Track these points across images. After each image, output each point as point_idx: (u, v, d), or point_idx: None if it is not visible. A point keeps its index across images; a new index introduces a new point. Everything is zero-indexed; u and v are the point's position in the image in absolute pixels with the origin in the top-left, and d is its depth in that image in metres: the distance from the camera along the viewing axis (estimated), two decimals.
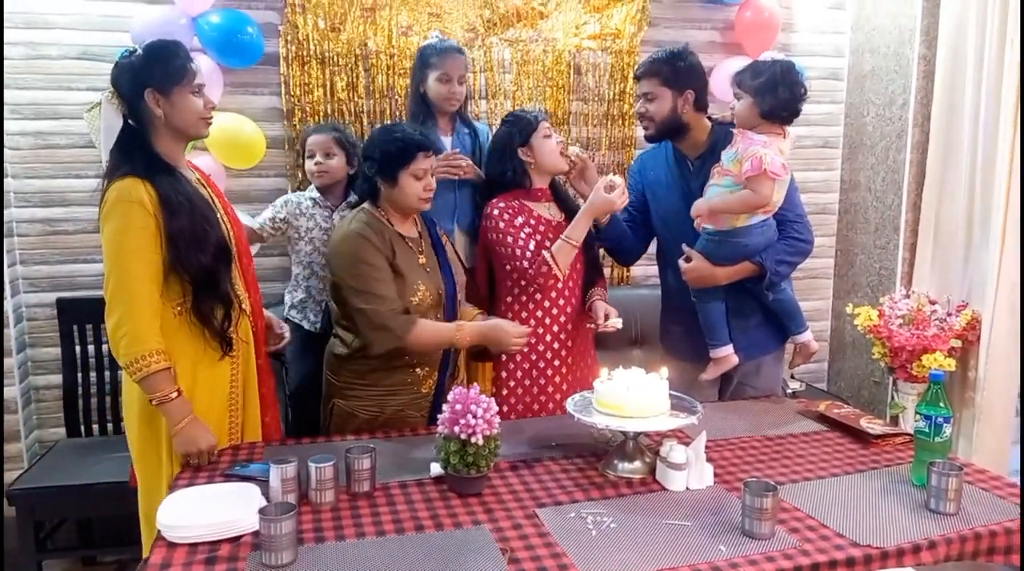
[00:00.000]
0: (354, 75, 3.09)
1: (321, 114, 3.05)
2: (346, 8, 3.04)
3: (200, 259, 1.76)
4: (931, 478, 1.55)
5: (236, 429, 1.95)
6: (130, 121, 1.79)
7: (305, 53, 3.03)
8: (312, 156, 2.57)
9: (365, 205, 2.11)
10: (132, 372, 1.70)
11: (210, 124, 1.87)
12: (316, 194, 2.63)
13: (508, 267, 2.30)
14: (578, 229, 2.21)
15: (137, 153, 1.76)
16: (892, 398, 3.05)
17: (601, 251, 2.55)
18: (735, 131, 2.14)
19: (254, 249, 2.41)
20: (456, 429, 1.59)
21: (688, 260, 2.22)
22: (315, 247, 2.60)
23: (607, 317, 2.25)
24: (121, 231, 1.70)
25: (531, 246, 2.23)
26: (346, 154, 2.59)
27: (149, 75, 1.75)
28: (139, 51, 1.78)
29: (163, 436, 1.81)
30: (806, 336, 2.32)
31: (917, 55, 3.17)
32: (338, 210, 2.58)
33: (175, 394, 1.73)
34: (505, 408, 2.30)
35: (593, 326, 2.30)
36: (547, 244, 2.25)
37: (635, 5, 3.33)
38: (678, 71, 2.22)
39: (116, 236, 1.70)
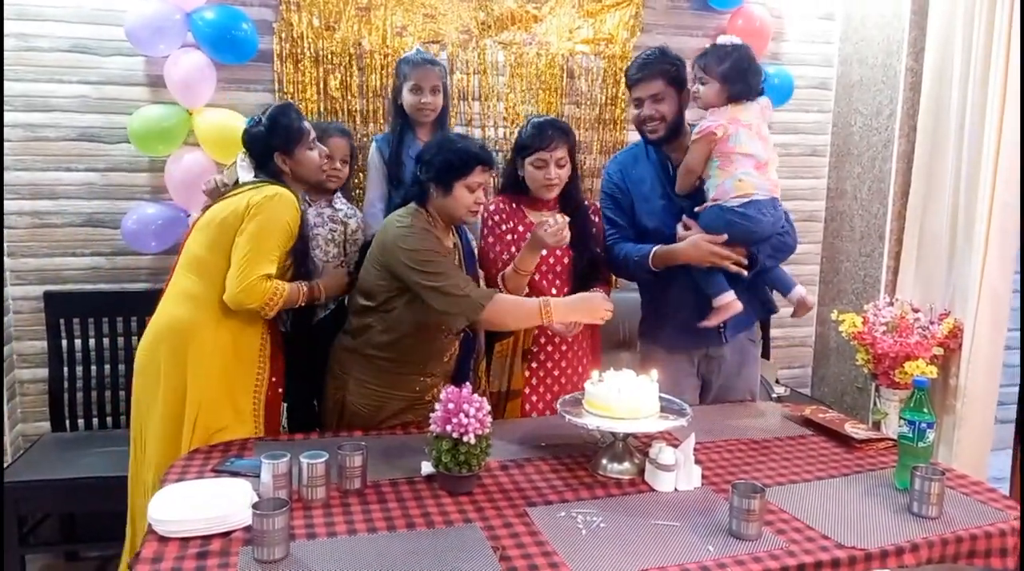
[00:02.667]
0: (348, 74, 3.09)
1: (314, 112, 3.05)
2: (341, 7, 3.04)
3: (301, 249, 2.20)
4: (914, 482, 1.58)
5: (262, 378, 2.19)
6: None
7: (299, 51, 3.03)
8: (330, 158, 2.45)
9: (413, 206, 2.11)
10: (270, 306, 2.04)
11: (326, 171, 2.36)
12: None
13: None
14: (525, 261, 2.19)
15: (276, 175, 2.20)
16: (874, 404, 3.10)
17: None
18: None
19: None
20: (448, 428, 1.60)
21: (686, 226, 2.25)
22: (319, 246, 2.53)
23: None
24: (279, 221, 2.06)
25: (504, 256, 2.27)
26: (352, 160, 2.63)
27: (276, 140, 2.15)
28: (264, 120, 2.16)
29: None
30: (799, 290, 2.37)
31: (904, 67, 3.21)
32: (315, 205, 2.53)
33: (306, 286, 2.15)
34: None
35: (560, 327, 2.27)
36: (541, 271, 2.29)
37: (628, 11, 3.36)
38: (680, 70, 2.28)
39: (275, 222, 2.05)
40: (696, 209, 2.25)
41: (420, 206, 2.10)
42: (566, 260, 2.33)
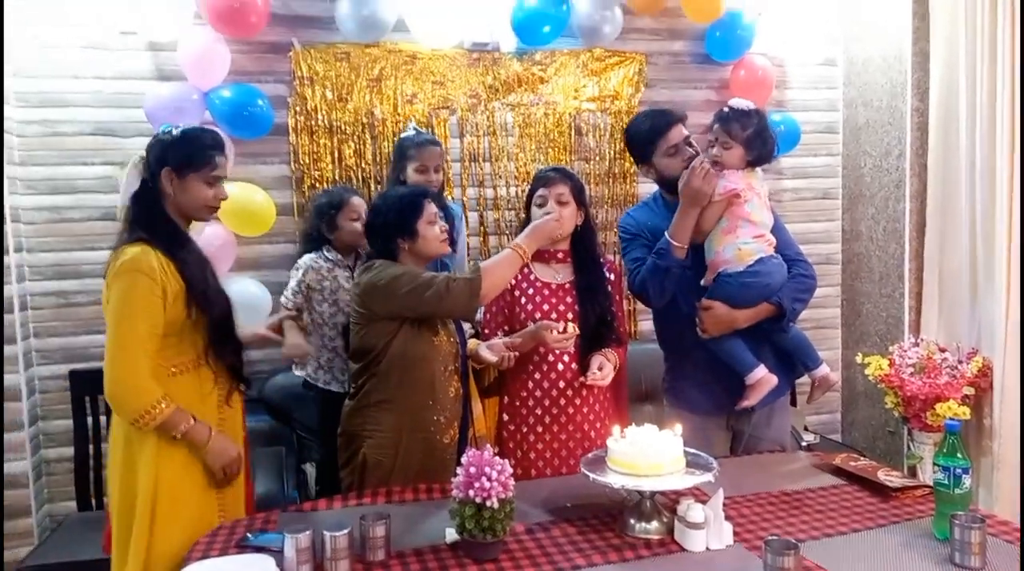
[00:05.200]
0: (361, 143, 3.17)
1: (329, 181, 3.12)
2: (353, 79, 3.14)
3: (215, 307, 1.91)
4: (954, 531, 1.53)
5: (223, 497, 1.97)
6: (149, 185, 1.91)
7: (313, 123, 3.12)
8: (356, 219, 2.58)
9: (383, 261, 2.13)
10: (145, 423, 1.77)
11: (214, 212, 2.00)
12: (332, 254, 2.65)
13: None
14: (524, 344, 2.22)
15: (148, 218, 1.88)
16: (908, 448, 3.02)
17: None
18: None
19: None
20: (471, 493, 1.58)
21: (704, 308, 2.24)
22: (339, 308, 2.61)
23: (600, 368, 2.21)
24: (127, 294, 1.79)
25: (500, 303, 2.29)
26: None
27: (171, 155, 1.89)
28: (175, 132, 1.92)
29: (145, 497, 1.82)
30: (823, 369, 2.33)
31: (910, 107, 3.24)
32: (358, 268, 2.56)
33: (192, 420, 1.83)
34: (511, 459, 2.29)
35: (584, 379, 2.25)
36: (536, 302, 2.28)
37: (632, 67, 3.43)
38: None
39: (122, 298, 1.80)
40: (703, 283, 2.24)
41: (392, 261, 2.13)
42: (570, 315, 2.30)
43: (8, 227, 2.72)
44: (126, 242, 1.85)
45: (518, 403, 2.32)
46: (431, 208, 2.13)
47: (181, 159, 1.89)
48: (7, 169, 2.73)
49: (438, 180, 2.69)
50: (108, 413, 2.83)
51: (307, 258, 2.66)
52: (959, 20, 2.96)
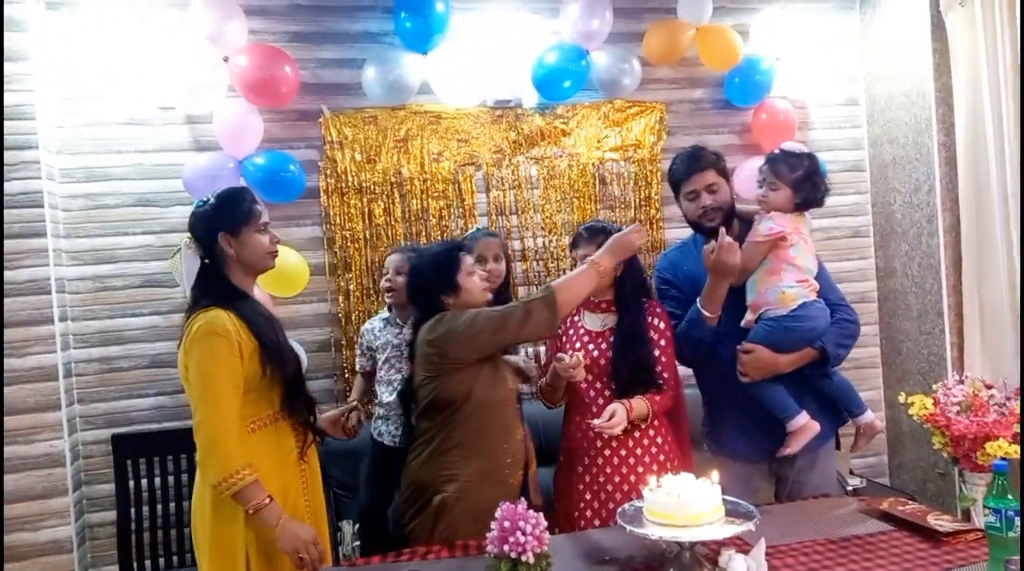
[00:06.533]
0: (390, 201, 3.25)
1: (361, 240, 3.19)
2: (380, 141, 3.24)
3: (289, 364, 1.98)
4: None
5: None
6: (206, 261, 1.98)
7: (344, 185, 3.20)
8: (386, 273, 2.68)
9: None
10: (224, 488, 1.80)
11: (275, 257, 2.07)
12: (387, 313, 2.74)
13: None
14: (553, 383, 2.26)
15: (216, 286, 1.96)
16: (960, 490, 2.91)
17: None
18: (762, 215, 2.24)
19: None
20: (506, 548, 1.56)
21: (746, 351, 2.22)
22: (391, 364, 2.66)
23: (611, 416, 2.14)
24: (209, 360, 1.85)
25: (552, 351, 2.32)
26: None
27: (219, 220, 1.96)
28: (211, 200, 1.99)
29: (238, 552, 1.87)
30: (868, 416, 2.30)
31: (936, 142, 3.22)
32: (407, 325, 2.59)
33: (268, 499, 1.84)
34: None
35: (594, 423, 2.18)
36: (575, 348, 2.29)
37: (653, 116, 3.48)
38: (723, 162, 2.34)
39: (205, 366, 1.85)
40: (743, 324, 2.23)
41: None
42: (603, 361, 2.29)
43: (54, 297, 2.82)
44: (195, 309, 1.91)
45: (568, 448, 2.34)
46: (468, 260, 2.18)
47: (230, 219, 1.96)
48: (52, 241, 2.84)
49: (499, 269, 2.59)
50: (150, 475, 2.89)
51: (366, 323, 2.83)
52: (979, 52, 2.95)
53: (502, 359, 2.21)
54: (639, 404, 2.22)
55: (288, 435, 1.99)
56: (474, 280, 2.16)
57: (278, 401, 1.96)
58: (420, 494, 2.13)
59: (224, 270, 1.97)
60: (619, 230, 2.33)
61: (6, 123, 2.75)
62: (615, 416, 2.14)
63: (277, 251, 2.07)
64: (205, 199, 2.02)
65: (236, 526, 1.87)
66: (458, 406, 2.09)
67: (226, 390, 1.84)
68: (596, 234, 2.33)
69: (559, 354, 2.22)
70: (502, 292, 2.64)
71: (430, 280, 2.14)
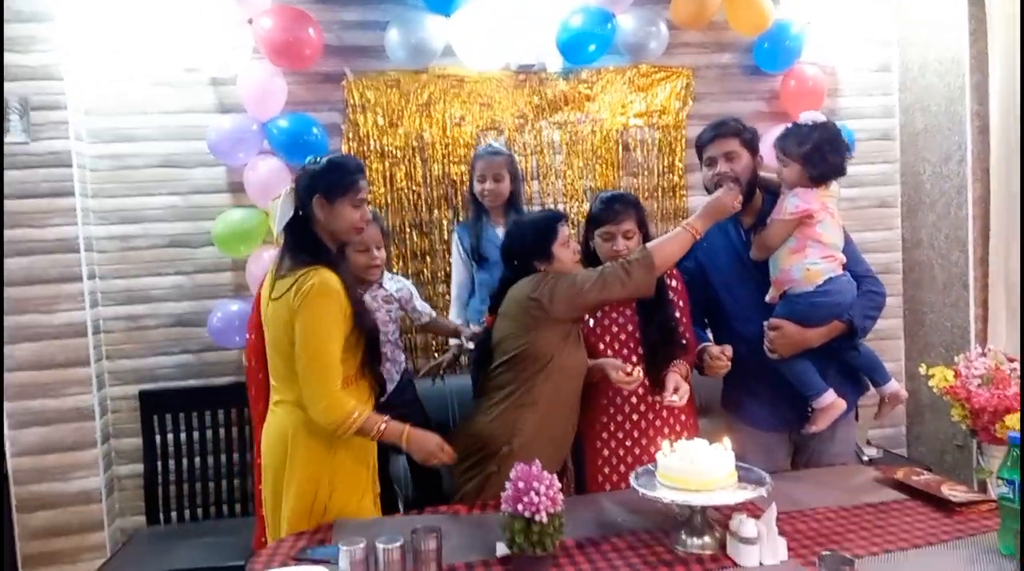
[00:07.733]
0: (412, 166, 3.25)
1: (382, 204, 3.20)
2: (403, 104, 3.23)
3: (373, 327, 2.09)
4: (1021, 547, 1.47)
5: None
6: (300, 213, 2.03)
7: (366, 148, 3.21)
8: (366, 251, 2.44)
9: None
10: (344, 431, 1.93)
11: (361, 233, 2.12)
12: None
13: None
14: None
15: (310, 245, 2.01)
16: (978, 462, 2.90)
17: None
18: (787, 191, 2.21)
19: None
20: (520, 507, 1.59)
21: (773, 328, 2.21)
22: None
23: (676, 390, 2.16)
24: (322, 316, 1.93)
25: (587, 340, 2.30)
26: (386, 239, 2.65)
27: (320, 183, 2.00)
28: (322, 161, 2.03)
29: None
30: (893, 385, 2.31)
31: (970, 111, 3.15)
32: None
33: (384, 424, 1.98)
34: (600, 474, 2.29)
35: (659, 399, 2.24)
36: (597, 317, 2.30)
37: (680, 82, 3.43)
38: (754, 136, 2.30)
39: (318, 320, 1.93)
40: (767, 300, 2.23)
41: None
42: (630, 327, 2.30)
43: (83, 256, 2.88)
44: (294, 266, 1.96)
45: (595, 421, 2.31)
46: (564, 231, 2.22)
47: (330, 185, 1.99)
48: (80, 201, 2.90)
49: (497, 189, 2.77)
50: (175, 431, 2.97)
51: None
52: (1016, 19, 2.87)
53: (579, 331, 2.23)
54: (685, 369, 2.25)
55: (365, 390, 2.07)
56: (568, 252, 2.21)
57: (359, 359, 2.05)
58: (487, 443, 2.16)
59: (313, 228, 2.03)
60: (636, 200, 2.33)
61: (34, 83, 2.79)
62: (679, 389, 2.16)
63: (364, 228, 2.12)
64: (317, 158, 2.06)
65: (323, 465, 1.98)
66: (543, 365, 2.13)
67: (336, 347, 1.95)
68: (633, 208, 2.31)
69: (613, 361, 2.19)
70: (510, 205, 2.77)
71: (527, 245, 2.20)
